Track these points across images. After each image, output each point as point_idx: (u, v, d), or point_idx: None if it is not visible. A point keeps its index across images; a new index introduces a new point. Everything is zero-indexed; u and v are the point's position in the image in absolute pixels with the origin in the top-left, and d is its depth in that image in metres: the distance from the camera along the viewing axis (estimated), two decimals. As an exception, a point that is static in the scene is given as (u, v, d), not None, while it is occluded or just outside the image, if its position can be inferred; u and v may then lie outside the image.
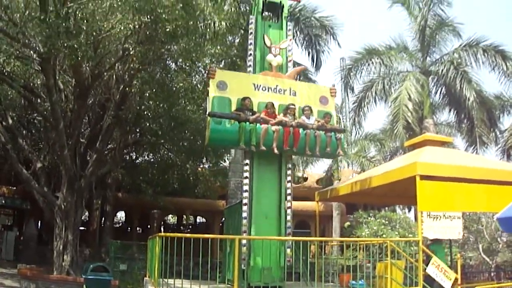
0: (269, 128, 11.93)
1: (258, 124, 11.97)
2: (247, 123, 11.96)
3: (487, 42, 23.19)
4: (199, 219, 39.41)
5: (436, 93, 25.37)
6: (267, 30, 14.36)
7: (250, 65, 13.68)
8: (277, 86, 13.06)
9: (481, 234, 25.96)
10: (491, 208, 12.18)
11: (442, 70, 23.25)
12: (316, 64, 23.70)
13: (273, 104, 12.49)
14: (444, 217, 12.20)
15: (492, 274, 23.96)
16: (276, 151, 11.99)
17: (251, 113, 12.19)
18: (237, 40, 22.27)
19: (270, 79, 13.10)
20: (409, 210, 33.88)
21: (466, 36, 24.06)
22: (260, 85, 12.93)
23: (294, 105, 12.66)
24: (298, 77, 22.68)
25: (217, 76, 12.69)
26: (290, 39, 14.31)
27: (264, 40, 13.53)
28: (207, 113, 12.15)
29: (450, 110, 26.22)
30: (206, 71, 13.39)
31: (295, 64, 17.54)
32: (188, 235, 10.32)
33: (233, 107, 12.35)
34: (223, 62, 22.51)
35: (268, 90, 12.96)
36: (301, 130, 12.26)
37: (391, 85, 25.01)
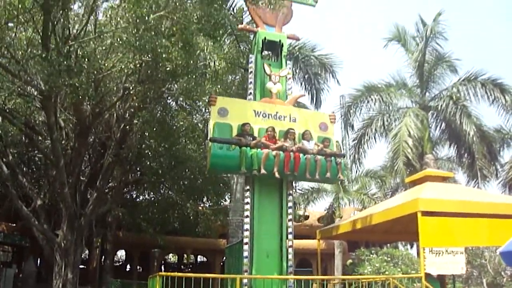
0: (270, 152, 12.06)
1: (259, 149, 12.12)
2: (248, 148, 12.10)
3: (485, 76, 23.39)
4: (200, 258, 39.16)
5: (436, 128, 25.47)
6: (267, 69, 14.52)
7: (250, 93, 13.82)
8: (277, 112, 13.27)
9: (485, 268, 25.79)
10: (494, 242, 12.11)
11: (441, 105, 23.36)
12: (315, 102, 23.84)
13: (274, 128, 12.71)
14: (447, 253, 12.10)
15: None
16: (277, 175, 12.10)
17: (251, 138, 12.37)
18: (237, 79, 22.43)
19: (270, 105, 13.32)
20: (411, 247, 33.66)
21: (464, 71, 24.32)
22: (260, 112, 13.14)
23: (293, 129, 12.85)
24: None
25: (218, 103, 12.94)
26: (289, 69, 14.56)
27: (264, 68, 13.83)
28: (208, 138, 12.36)
29: (450, 145, 26.27)
30: (208, 100, 13.57)
31: (295, 103, 17.65)
32: (189, 274, 10.20)
33: (234, 133, 12.55)
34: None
35: (268, 117, 13.16)
36: (301, 154, 12.39)
37: (391, 121, 25.10)
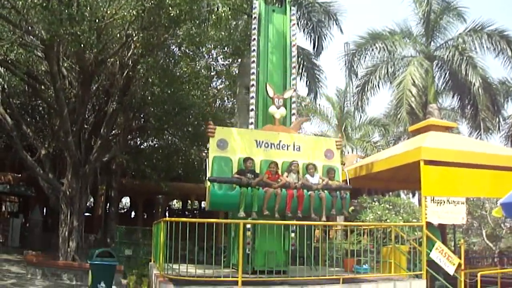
0: (273, 192, 11.43)
1: (260, 188, 11.46)
2: (249, 188, 11.43)
3: (492, 27, 23.05)
4: (204, 204, 39.51)
5: (440, 78, 25.31)
6: (271, 16, 14.28)
7: (252, 99, 13.28)
8: (280, 141, 12.57)
9: (485, 219, 26.04)
10: (495, 193, 12.18)
11: (446, 56, 23.15)
12: (317, 49, 23.63)
13: (277, 164, 11.99)
14: (448, 202, 12.21)
15: (496, 259, 24.04)
16: (277, 215, 11.52)
17: (253, 176, 11.62)
18: (240, 25, 22.18)
19: (273, 134, 12.64)
20: (413, 195, 33.94)
21: (471, 20, 23.93)
22: (262, 142, 12.45)
23: (296, 161, 12.16)
24: (302, 62, 22.72)
25: (217, 134, 12.20)
26: (294, 90, 13.72)
27: (266, 90, 13.01)
28: (207, 178, 11.62)
29: (453, 96, 26.16)
30: (206, 131, 12.56)
31: (299, 49, 17.42)
32: (192, 219, 10.31)
33: (235, 167, 11.92)
34: (226, 48, 22.48)
35: (270, 147, 12.49)
36: (305, 191, 11.74)
37: (395, 70, 24.95)
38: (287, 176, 11.82)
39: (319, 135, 31.21)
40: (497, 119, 26.25)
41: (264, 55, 13.52)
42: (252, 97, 13.28)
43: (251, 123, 13.14)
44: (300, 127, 14.27)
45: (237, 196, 11.36)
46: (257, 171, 11.86)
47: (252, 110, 13.25)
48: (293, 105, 13.63)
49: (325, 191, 11.87)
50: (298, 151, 12.68)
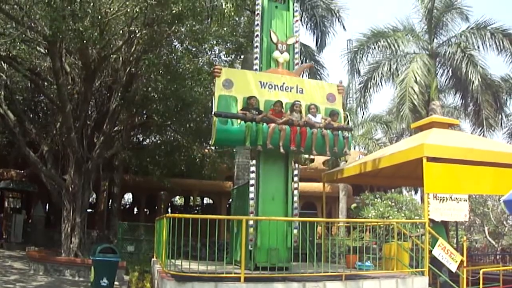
0: (276, 127, 11.73)
1: (264, 124, 11.78)
2: (254, 123, 11.76)
3: (495, 25, 23.02)
4: (206, 200, 39.51)
5: (442, 75, 25.29)
6: (274, 11, 14.25)
7: (256, 57, 13.43)
8: (283, 83, 12.80)
9: (487, 217, 26.06)
10: (498, 190, 12.20)
11: (449, 53, 23.13)
12: (320, 45, 23.64)
13: (281, 103, 12.26)
14: (451, 199, 12.20)
15: (498, 257, 24.04)
16: (282, 150, 11.79)
17: (257, 112, 11.97)
18: (243, 21, 22.17)
19: (277, 76, 12.85)
20: (416, 192, 33.95)
21: (474, 18, 23.93)
22: (266, 83, 12.67)
23: (299, 101, 12.42)
24: (304, 59, 22.72)
25: (223, 74, 12.44)
26: (297, 36, 13.94)
27: (270, 36, 13.30)
28: (213, 112, 11.93)
29: (456, 93, 26.15)
30: (212, 71, 12.89)
31: (301, 45, 17.45)
32: (195, 216, 10.36)
33: (239, 106, 12.13)
34: (229, 44, 22.46)
35: (274, 88, 12.72)
36: (308, 129, 12.04)
37: (398, 66, 24.94)
38: (290, 115, 12.08)
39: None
40: (500, 116, 26.23)
41: (267, 51, 13.53)
42: (256, 47, 13.50)
43: (255, 69, 13.41)
44: (302, 72, 14.46)
45: (242, 131, 11.70)
46: (261, 110, 12.19)
47: (256, 58, 13.49)
48: (296, 55, 13.81)
49: (328, 130, 12.08)
50: (301, 93, 12.94)
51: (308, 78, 23.46)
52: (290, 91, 12.83)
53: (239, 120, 11.82)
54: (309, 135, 11.99)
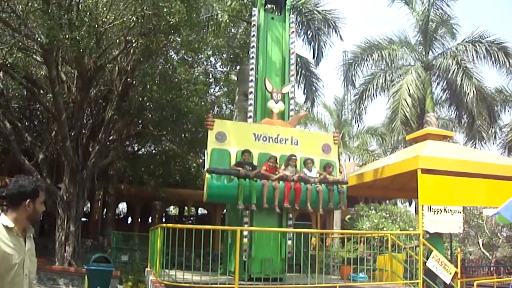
0: (270, 184, 11.55)
1: (258, 180, 11.58)
2: (247, 180, 11.54)
3: (490, 38, 23.11)
4: (201, 210, 39.46)
5: (437, 87, 25.38)
6: (270, 23, 14.34)
7: (251, 106, 13.35)
8: (278, 135, 12.70)
9: (482, 228, 26.05)
10: (492, 202, 12.23)
11: (444, 65, 23.22)
12: (317, 58, 23.70)
13: (276, 159, 12.09)
14: (445, 211, 12.22)
15: (492, 269, 24.05)
16: (277, 210, 11.69)
17: (251, 168, 11.76)
18: (239, 32, 22.26)
19: (271, 128, 12.74)
20: (410, 204, 33.98)
21: (469, 31, 24.06)
22: (260, 135, 12.56)
23: (295, 156, 12.26)
24: (300, 70, 22.78)
25: (216, 126, 12.31)
26: (293, 85, 13.98)
27: (265, 84, 13.17)
28: (206, 169, 11.72)
29: (450, 105, 26.23)
30: (205, 123, 12.66)
31: (297, 57, 17.47)
32: (189, 226, 10.34)
33: (233, 160, 12.01)
34: (225, 54, 22.55)
35: (268, 140, 12.60)
36: (302, 184, 11.84)
37: (393, 78, 25.00)
38: (284, 170, 11.91)
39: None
40: (493, 128, 26.33)
41: (263, 62, 13.56)
42: (251, 92, 13.37)
43: (250, 117, 13.25)
44: (298, 122, 14.34)
45: (235, 187, 11.47)
46: (255, 164, 11.97)
47: (250, 104, 13.34)
48: (291, 101, 13.77)
49: (322, 184, 11.95)
50: (296, 145, 12.83)
51: (304, 89, 23.59)
52: (285, 143, 12.74)
53: (232, 177, 11.59)
54: (303, 191, 11.79)
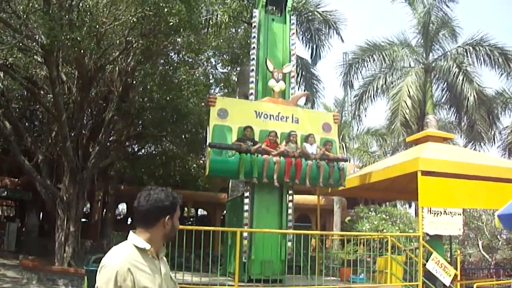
0: (271, 159, 11.65)
1: (259, 155, 11.70)
2: (248, 154, 11.66)
3: (491, 41, 23.11)
4: (200, 211, 39.44)
5: (437, 89, 25.39)
6: (271, 24, 14.34)
7: (252, 69, 13.47)
8: (279, 113, 12.83)
9: (482, 231, 26.04)
10: (492, 205, 12.25)
11: (444, 67, 23.22)
12: (314, 57, 23.71)
13: (276, 134, 12.23)
14: (445, 213, 12.22)
15: (492, 271, 24.02)
16: (276, 183, 11.74)
17: (252, 143, 11.90)
18: (240, 33, 22.26)
19: (272, 106, 12.85)
20: (410, 206, 33.97)
21: (470, 34, 24.10)
22: (261, 113, 12.69)
23: (295, 132, 12.38)
24: (300, 71, 22.78)
25: (218, 103, 12.45)
26: (293, 65, 14.04)
27: (266, 64, 13.25)
28: (207, 143, 11.85)
29: (450, 107, 26.24)
30: (207, 100, 12.92)
31: (297, 58, 17.49)
32: (189, 227, 10.34)
33: (234, 136, 12.12)
34: (225, 55, 22.55)
35: (270, 118, 12.73)
36: (303, 160, 11.95)
37: (393, 79, 25.01)
38: (285, 146, 11.98)
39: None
40: (493, 131, 26.34)
41: (263, 64, 13.57)
42: (251, 94, 13.44)
43: (251, 94, 13.37)
44: (298, 101, 14.39)
45: (236, 162, 11.61)
46: (256, 140, 12.04)
47: (252, 82, 13.44)
48: (292, 80, 13.83)
49: (323, 161, 12.00)
50: (297, 123, 12.96)
51: (304, 91, 23.59)
52: (286, 120, 12.84)
53: (233, 151, 11.71)
54: (304, 167, 11.91)
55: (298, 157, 11.92)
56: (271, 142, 12.03)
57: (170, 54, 21.03)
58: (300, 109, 14.14)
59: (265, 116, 12.72)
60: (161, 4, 14.52)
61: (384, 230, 18.41)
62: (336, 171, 12.30)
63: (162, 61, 20.12)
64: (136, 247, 2.98)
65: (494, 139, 27.63)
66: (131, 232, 3.09)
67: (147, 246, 3.00)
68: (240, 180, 11.60)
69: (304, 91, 23.72)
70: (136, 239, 3.03)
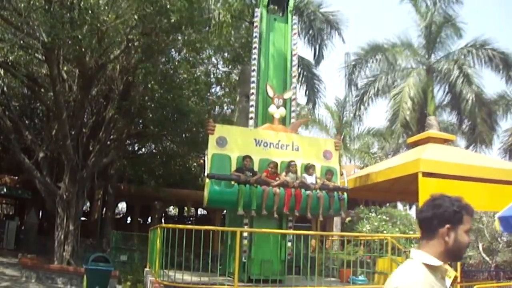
0: (270, 190, 11.51)
1: (258, 186, 11.55)
2: (247, 185, 11.51)
3: (493, 45, 23.09)
4: (200, 211, 39.39)
5: (439, 91, 25.37)
6: (272, 24, 14.32)
7: (252, 107, 13.37)
8: (279, 141, 12.68)
9: (482, 233, 25.99)
10: (492, 207, 12.19)
11: (445, 69, 23.19)
12: (317, 57, 23.67)
13: (276, 165, 12.09)
14: (446, 215, 12.17)
15: (492, 273, 24.00)
16: (275, 215, 11.65)
17: (251, 174, 11.74)
18: (241, 32, 22.21)
19: (272, 133, 12.70)
20: (410, 207, 33.91)
21: (472, 36, 24.08)
22: (261, 141, 12.54)
23: (294, 161, 12.22)
24: (302, 71, 22.74)
25: (217, 131, 12.27)
26: (294, 91, 13.89)
27: (266, 90, 13.10)
28: (206, 174, 11.73)
29: (451, 109, 26.21)
30: (206, 128, 12.72)
31: (299, 58, 17.45)
32: (189, 226, 10.33)
33: (233, 165, 11.95)
34: (227, 54, 22.53)
35: (269, 146, 12.57)
36: (302, 191, 11.82)
37: (395, 80, 24.99)
38: (285, 176, 11.85)
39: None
40: (494, 133, 26.31)
41: (265, 63, 13.53)
42: (252, 93, 13.36)
43: (251, 118, 13.23)
44: (299, 128, 14.26)
45: (235, 193, 11.46)
46: (256, 169, 11.94)
47: (252, 105, 13.33)
48: (293, 103, 13.73)
49: (323, 191, 11.89)
50: (297, 151, 12.80)
51: (306, 91, 23.56)
52: (286, 148, 12.70)
53: (232, 182, 11.55)
54: (304, 198, 11.78)
55: (297, 188, 11.78)
56: (271, 173, 11.88)
57: (171, 52, 21.00)
58: (301, 136, 14.19)
59: (265, 144, 12.56)
60: (163, 2, 14.49)
61: (385, 231, 18.35)
62: (337, 202, 12.21)
63: (163, 59, 20.08)
64: (427, 265, 2.56)
65: (491, 142, 27.63)
66: (412, 250, 2.66)
67: (437, 263, 2.59)
68: (238, 213, 11.38)
69: (306, 92, 23.71)
70: (424, 256, 2.58)
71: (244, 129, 13.41)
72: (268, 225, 12.03)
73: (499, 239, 26.57)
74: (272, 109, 12.98)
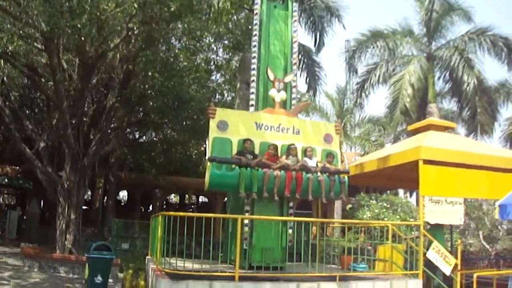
0: (271, 173, 11.47)
1: (259, 169, 11.51)
2: (248, 168, 11.47)
3: (494, 31, 23.00)
4: (202, 198, 39.48)
5: (439, 79, 25.29)
6: (273, 11, 14.24)
7: (252, 94, 13.30)
8: (279, 124, 12.60)
9: (482, 221, 26.08)
10: (493, 195, 12.20)
11: (446, 56, 23.11)
12: (318, 44, 23.59)
13: (276, 147, 12.05)
14: (446, 202, 12.20)
15: (492, 261, 24.08)
16: (276, 197, 11.63)
17: (252, 157, 11.68)
18: (241, 19, 22.14)
19: (273, 117, 12.64)
20: (411, 195, 33.96)
21: (472, 23, 23.89)
22: (262, 124, 12.47)
23: (294, 144, 12.19)
24: (302, 59, 22.68)
25: (218, 115, 12.18)
26: (295, 73, 13.82)
27: (267, 73, 13.03)
28: (207, 157, 11.66)
29: (452, 97, 26.17)
30: (207, 112, 12.52)
31: (299, 45, 17.42)
32: (190, 214, 10.33)
33: (234, 149, 11.91)
34: (227, 41, 22.48)
35: (270, 129, 12.51)
36: (303, 174, 11.76)
37: (395, 67, 24.92)
38: (286, 159, 11.86)
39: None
40: (495, 121, 26.29)
41: (265, 50, 13.49)
42: (253, 81, 13.31)
43: (251, 105, 13.18)
44: (300, 111, 14.20)
45: (236, 176, 11.44)
46: (257, 153, 11.92)
47: (252, 93, 13.28)
48: (293, 90, 13.65)
49: (324, 174, 11.91)
50: (298, 134, 12.74)
51: (306, 78, 23.53)
52: (287, 132, 12.63)
53: (233, 165, 11.55)
54: (305, 181, 11.72)
55: (298, 171, 11.75)
56: (271, 155, 11.84)
57: (171, 40, 20.95)
58: (301, 120, 14.05)
59: (266, 127, 12.52)
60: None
61: (385, 219, 18.39)
62: (337, 185, 12.16)
63: (163, 47, 20.04)
64: None
65: (492, 130, 27.63)
66: None
67: None
68: (240, 195, 11.38)
69: (306, 79, 23.67)
70: None
71: (244, 112, 13.39)
72: (269, 212, 12.04)
73: (499, 227, 26.66)
74: (273, 92, 12.92)
